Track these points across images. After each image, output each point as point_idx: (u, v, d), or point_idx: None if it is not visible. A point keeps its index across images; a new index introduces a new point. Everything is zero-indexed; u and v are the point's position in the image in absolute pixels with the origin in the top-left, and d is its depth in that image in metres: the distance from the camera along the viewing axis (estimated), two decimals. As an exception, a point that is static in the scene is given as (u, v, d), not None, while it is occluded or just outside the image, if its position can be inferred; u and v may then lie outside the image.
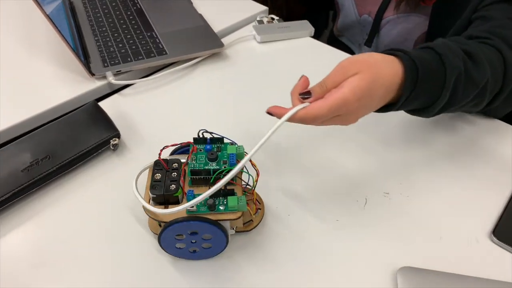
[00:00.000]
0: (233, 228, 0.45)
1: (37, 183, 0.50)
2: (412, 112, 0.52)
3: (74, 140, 0.55)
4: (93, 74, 0.67)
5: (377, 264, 0.46)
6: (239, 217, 0.41)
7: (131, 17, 0.81)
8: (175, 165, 0.44)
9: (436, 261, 0.46)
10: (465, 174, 0.55)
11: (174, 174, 0.43)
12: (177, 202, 0.42)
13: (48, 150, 0.53)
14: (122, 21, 0.79)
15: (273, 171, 0.55)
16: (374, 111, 0.48)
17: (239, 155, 0.44)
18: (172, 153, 0.49)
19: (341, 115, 0.44)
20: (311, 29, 0.81)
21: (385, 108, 0.48)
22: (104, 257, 0.45)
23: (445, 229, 0.49)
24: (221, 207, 0.41)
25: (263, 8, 0.88)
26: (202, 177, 0.43)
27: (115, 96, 0.66)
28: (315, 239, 0.48)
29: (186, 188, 0.43)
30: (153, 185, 0.42)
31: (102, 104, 0.64)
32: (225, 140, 0.46)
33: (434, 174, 0.55)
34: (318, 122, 0.44)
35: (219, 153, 0.44)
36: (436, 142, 0.60)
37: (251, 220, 0.48)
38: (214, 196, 0.40)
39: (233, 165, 0.42)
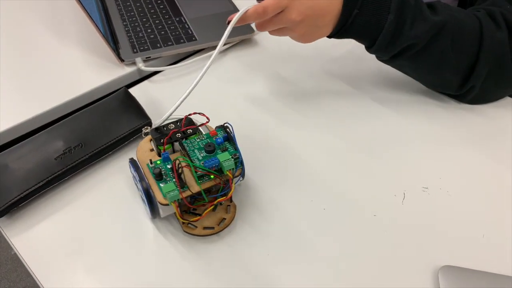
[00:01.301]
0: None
1: (70, 171, 0.50)
2: (369, 49, 0.55)
3: (106, 127, 0.54)
4: (122, 60, 0.66)
5: (417, 262, 0.44)
6: (165, 204, 0.42)
7: (159, 1, 0.79)
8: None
9: (478, 260, 0.44)
10: (510, 169, 0.53)
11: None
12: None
13: (80, 138, 0.52)
14: (150, 5, 0.78)
15: (316, 164, 0.54)
16: (328, 36, 0.55)
17: (224, 166, 0.43)
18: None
19: (284, 11, 0.51)
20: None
21: (337, 32, 0.54)
22: (140, 246, 0.45)
23: (488, 226, 0.47)
24: (161, 184, 0.43)
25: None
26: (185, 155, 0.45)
27: (145, 82, 0.65)
28: (351, 235, 0.46)
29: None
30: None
31: (132, 90, 0.63)
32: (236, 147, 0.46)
33: (475, 169, 0.53)
34: (268, 15, 0.51)
35: (220, 153, 0.44)
36: (477, 136, 0.57)
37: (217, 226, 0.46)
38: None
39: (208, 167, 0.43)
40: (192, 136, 0.47)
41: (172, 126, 0.48)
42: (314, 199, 0.50)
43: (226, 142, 0.46)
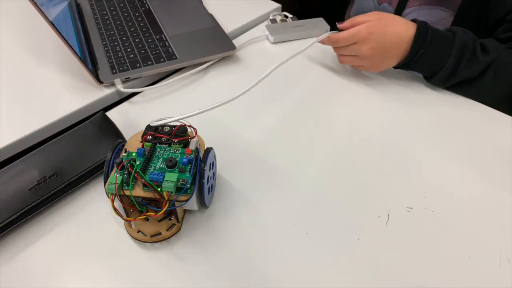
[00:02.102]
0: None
1: (45, 202, 0.49)
2: (426, 78, 0.64)
3: (83, 154, 0.53)
4: (101, 82, 0.65)
5: (405, 286, 0.43)
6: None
7: (139, 19, 0.78)
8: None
9: (464, 282, 0.43)
10: (497, 188, 0.52)
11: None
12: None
13: (56, 167, 0.51)
14: (130, 23, 0.77)
15: (288, 185, 0.53)
16: (394, 67, 0.64)
17: (163, 185, 0.42)
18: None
19: (357, 43, 0.61)
20: (327, 27, 0.77)
21: (403, 65, 0.63)
22: (116, 274, 0.44)
23: (474, 247, 0.46)
24: (113, 173, 0.44)
25: (276, 5, 0.84)
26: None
27: (124, 104, 0.64)
28: (334, 260, 0.45)
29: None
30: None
31: (111, 113, 0.62)
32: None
33: (461, 187, 0.52)
34: (339, 45, 0.63)
35: (171, 171, 0.44)
36: (463, 154, 0.56)
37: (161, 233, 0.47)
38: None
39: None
40: (169, 145, 0.46)
41: (167, 129, 0.48)
42: (297, 223, 0.49)
43: (189, 165, 0.44)
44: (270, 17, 0.80)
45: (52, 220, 0.49)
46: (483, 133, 0.59)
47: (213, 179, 0.50)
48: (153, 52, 0.70)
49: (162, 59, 0.68)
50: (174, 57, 0.69)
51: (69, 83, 0.66)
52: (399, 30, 0.60)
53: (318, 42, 0.65)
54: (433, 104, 0.63)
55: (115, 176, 0.43)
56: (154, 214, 0.43)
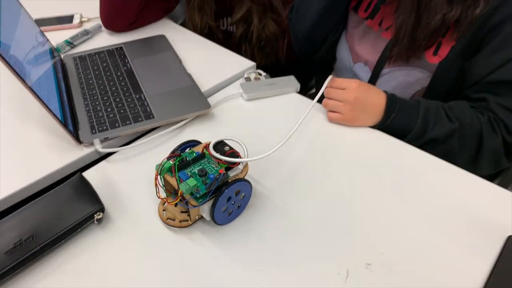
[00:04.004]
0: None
1: (20, 264, 0.51)
2: (401, 138, 0.72)
3: (59, 216, 0.55)
4: (81, 142, 0.68)
5: None
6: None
7: (121, 78, 0.83)
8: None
9: None
10: (447, 239, 0.55)
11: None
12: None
13: (32, 229, 0.53)
14: (112, 83, 0.81)
15: (239, 244, 0.55)
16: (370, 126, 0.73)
17: (180, 184, 0.53)
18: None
19: (346, 90, 0.71)
20: (297, 85, 0.82)
21: (379, 126, 0.72)
22: None
23: (428, 304, 0.49)
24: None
25: (252, 63, 0.89)
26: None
27: (102, 163, 0.67)
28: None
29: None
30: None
31: (89, 172, 0.65)
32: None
33: (415, 241, 0.55)
34: (333, 84, 0.73)
35: (193, 178, 0.53)
36: (416, 209, 0.60)
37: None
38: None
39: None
40: (200, 158, 0.57)
41: (227, 148, 0.57)
42: (260, 282, 0.51)
43: (212, 181, 0.53)
44: (245, 75, 0.85)
45: (26, 282, 0.51)
46: (444, 191, 0.62)
47: (237, 205, 0.58)
48: (132, 112, 0.74)
49: (140, 119, 0.72)
50: (151, 116, 0.73)
51: (50, 143, 0.70)
52: (376, 96, 0.72)
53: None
54: (394, 162, 0.67)
55: (167, 161, 0.54)
56: (170, 202, 0.54)
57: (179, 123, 0.74)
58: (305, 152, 0.69)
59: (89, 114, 0.74)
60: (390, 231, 0.57)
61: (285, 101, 0.81)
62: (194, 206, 0.53)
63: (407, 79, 0.78)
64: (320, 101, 0.74)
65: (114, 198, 0.61)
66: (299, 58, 1.03)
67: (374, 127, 0.73)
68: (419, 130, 0.70)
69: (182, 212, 0.58)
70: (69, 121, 0.70)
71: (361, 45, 0.84)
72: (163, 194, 0.58)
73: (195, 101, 0.77)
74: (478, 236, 0.56)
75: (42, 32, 0.83)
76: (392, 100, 0.71)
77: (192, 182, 0.52)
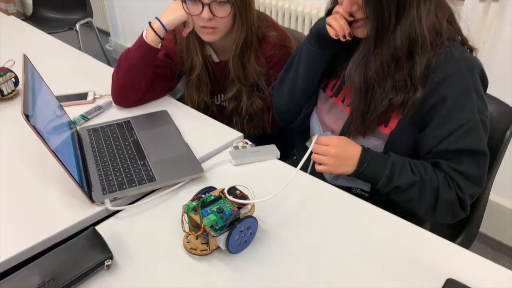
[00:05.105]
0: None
1: (43, 302, 0.62)
2: (373, 186, 0.90)
3: (75, 262, 0.67)
4: (93, 201, 0.81)
5: None
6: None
7: (128, 147, 0.97)
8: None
9: None
10: (396, 282, 0.66)
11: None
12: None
13: (53, 273, 0.65)
14: (120, 151, 0.96)
15: None
16: (348, 175, 0.89)
17: (202, 218, 0.69)
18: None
19: (329, 146, 0.87)
20: (278, 153, 0.97)
21: (354, 174, 0.88)
22: None
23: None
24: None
25: (239, 134, 1.05)
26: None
27: (111, 219, 0.80)
28: None
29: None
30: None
31: (100, 227, 0.77)
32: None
33: (369, 284, 0.66)
34: (319, 142, 0.89)
35: (212, 213, 0.70)
36: (369, 257, 0.72)
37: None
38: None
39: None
40: (217, 200, 0.73)
41: (238, 192, 0.73)
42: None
43: (228, 217, 0.68)
44: (234, 144, 1.00)
45: (46, 318, 0.61)
46: (394, 243, 0.75)
47: (246, 238, 0.72)
48: (137, 176, 0.88)
49: (144, 181, 0.86)
50: (154, 179, 0.87)
51: (66, 202, 0.82)
52: (353, 149, 0.88)
53: (312, 140, 0.91)
54: (356, 217, 0.80)
55: (191, 202, 0.71)
56: (193, 233, 0.70)
57: (176, 185, 0.87)
58: (295, 199, 0.82)
59: (100, 178, 0.87)
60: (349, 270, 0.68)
61: (267, 166, 0.95)
62: (214, 236, 0.68)
63: (366, 145, 0.93)
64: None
65: (121, 249, 0.73)
66: (282, 128, 1.19)
67: (350, 174, 0.89)
68: (387, 178, 0.85)
69: (202, 243, 0.73)
70: (84, 184, 0.83)
71: (328, 117, 1.00)
72: (187, 229, 0.74)
73: (190, 166, 0.91)
74: (421, 278, 0.67)
75: (61, 107, 0.99)
76: (365, 153, 0.87)
77: (212, 217, 0.68)
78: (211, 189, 0.76)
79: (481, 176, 0.85)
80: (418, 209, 0.86)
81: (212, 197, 0.73)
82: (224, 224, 0.68)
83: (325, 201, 0.84)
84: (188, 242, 0.73)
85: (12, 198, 0.84)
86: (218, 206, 0.71)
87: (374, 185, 0.89)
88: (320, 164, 0.89)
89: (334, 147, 0.87)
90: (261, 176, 0.91)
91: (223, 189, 0.74)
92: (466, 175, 0.84)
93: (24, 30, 1.74)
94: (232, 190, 0.74)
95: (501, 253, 1.68)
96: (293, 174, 0.84)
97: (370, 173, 0.87)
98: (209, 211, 0.70)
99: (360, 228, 0.78)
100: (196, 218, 0.69)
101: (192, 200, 0.72)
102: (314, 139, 0.90)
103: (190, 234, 0.73)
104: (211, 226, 0.68)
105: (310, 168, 0.94)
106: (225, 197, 0.72)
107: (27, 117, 0.70)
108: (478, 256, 0.72)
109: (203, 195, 0.73)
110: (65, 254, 0.68)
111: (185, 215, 0.72)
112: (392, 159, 0.86)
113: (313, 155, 0.90)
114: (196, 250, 0.72)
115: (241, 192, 0.74)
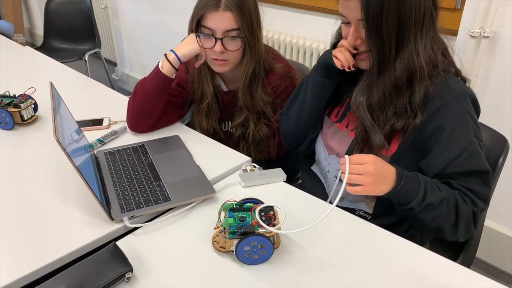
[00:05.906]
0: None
1: (69, 310, 0.66)
2: (403, 206, 0.88)
3: (98, 274, 0.72)
4: (113, 219, 0.86)
5: None
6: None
7: (143, 169, 1.03)
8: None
9: None
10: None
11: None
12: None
13: (79, 283, 0.69)
14: (136, 173, 1.02)
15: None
16: (384, 195, 0.87)
17: (222, 221, 0.80)
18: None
19: (366, 164, 0.83)
20: (284, 176, 1.03)
21: (390, 193, 0.87)
22: None
23: None
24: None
25: (247, 158, 1.11)
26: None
27: (130, 236, 0.85)
28: None
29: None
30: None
31: (120, 242, 0.82)
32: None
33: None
34: (351, 162, 0.84)
35: (232, 219, 0.78)
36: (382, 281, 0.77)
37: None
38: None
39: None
40: (248, 210, 0.81)
41: (272, 212, 0.79)
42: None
43: (243, 226, 0.75)
44: (243, 168, 1.06)
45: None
46: (406, 267, 0.80)
47: (258, 255, 0.77)
48: (153, 196, 0.93)
49: (159, 201, 0.91)
50: (169, 199, 0.92)
51: (87, 219, 0.88)
52: (388, 168, 0.87)
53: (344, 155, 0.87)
54: (370, 243, 0.85)
55: (229, 203, 0.82)
56: (216, 228, 0.82)
57: (190, 205, 0.92)
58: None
59: (118, 197, 0.93)
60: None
61: (274, 188, 1.01)
62: (226, 237, 0.78)
63: None
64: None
65: (140, 263, 0.78)
66: (286, 154, 1.25)
67: (386, 194, 0.86)
68: (422, 196, 0.85)
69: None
70: (104, 202, 0.88)
71: (332, 141, 1.07)
72: (218, 224, 0.83)
73: (203, 187, 0.96)
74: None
75: (80, 131, 1.06)
76: (400, 170, 0.87)
77: (230, 220, 0.77)
78: (256, 201, 0.85)
79: (488, 193, 0.91)
80: (445, 226, 0.89)
81: (247, 206, 0.81)
82: (236, 230, 0.75)
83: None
84: (215, 242, 0.83)
85: (37, 216, 0.89)
86: (243, 215, 0.78)
87: (401, 205, 0.88)
88: (355, 185, 0.84)
89: (372, 165, 0.83)
90: (270, 197, 0.97)
91: (258, 205, 0.79)
92: (475, 192, 0.90)
93: (38, 60, 1.83)
94: (266, 208, 0.80)
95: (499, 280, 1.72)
96: (328, 210, 0.79)
97: (406, 190, 0.86)
98: (233, 215, 0.78)
99: (381, 257, 0.83)
100: (221, 216, 0.80)
101: (233, 202, 0.82)
102: (346, 159, 0.84)
103: (216, 229, 0.83)
104: (227, 228, 0.76)
105: (338, 199, 0.80)
106: (255, 212, 0.77)
107: (58, 140, 0.76)
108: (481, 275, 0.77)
109: (246, 203, 0.83)
110: (90, 266, 0.73)
111: (223, 212, 0.81)
112: (422, 176, 0.88)
113: (350, 177, 0.83)
114: (218, 244, 0.82)
115: (273, 213, 0.79)
